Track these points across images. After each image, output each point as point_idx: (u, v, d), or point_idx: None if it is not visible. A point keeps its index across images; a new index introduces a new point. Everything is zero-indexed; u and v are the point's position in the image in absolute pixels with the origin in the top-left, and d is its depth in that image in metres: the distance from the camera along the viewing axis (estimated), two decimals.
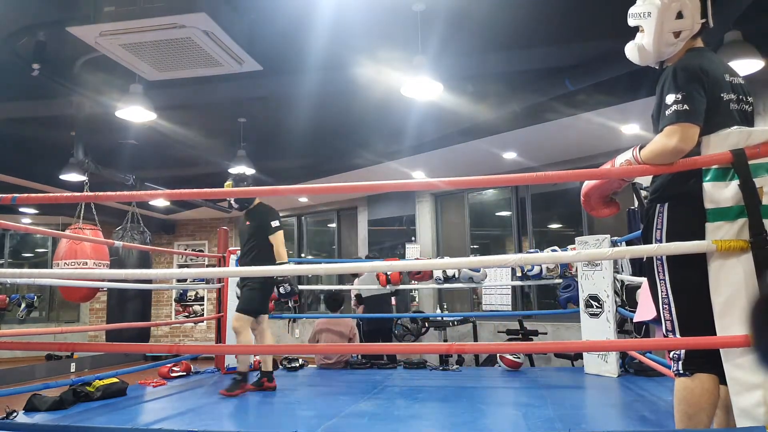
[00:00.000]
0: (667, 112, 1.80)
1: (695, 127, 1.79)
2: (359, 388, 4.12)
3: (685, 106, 1.77)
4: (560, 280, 5.15)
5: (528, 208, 7.75)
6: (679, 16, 1.90)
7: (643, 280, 2.93)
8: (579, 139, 6.21)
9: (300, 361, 5.25)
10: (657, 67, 2.03)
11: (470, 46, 4.24)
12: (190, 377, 4.75)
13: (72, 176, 6.05)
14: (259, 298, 4.13)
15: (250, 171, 6.23)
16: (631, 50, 2.04)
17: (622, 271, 4.45)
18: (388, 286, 5.77)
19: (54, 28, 3.66)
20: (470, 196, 8.45)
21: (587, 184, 2.19)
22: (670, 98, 1.80)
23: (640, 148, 1.91)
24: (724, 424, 1.87)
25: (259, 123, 5.90)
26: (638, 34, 2.02)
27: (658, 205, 1.91)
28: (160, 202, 9.44)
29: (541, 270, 5.22)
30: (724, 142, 1.79)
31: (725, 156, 1.76)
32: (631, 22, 2.03)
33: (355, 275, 6.83)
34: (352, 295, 6.85)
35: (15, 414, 3.09)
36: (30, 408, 3.33)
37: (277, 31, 3.90)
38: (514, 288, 7.36)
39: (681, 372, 1.83)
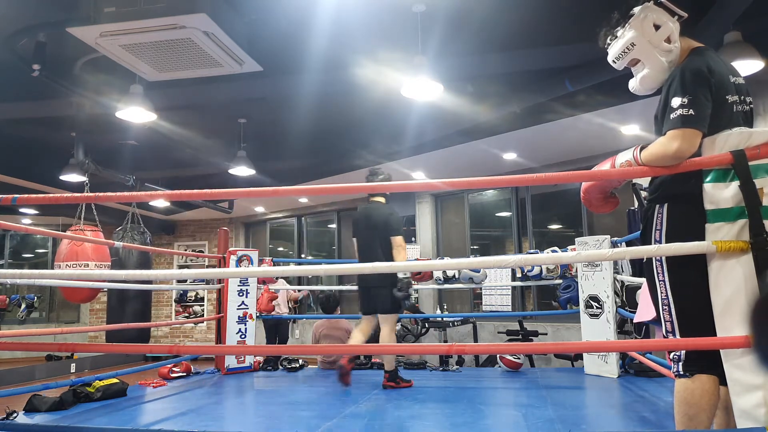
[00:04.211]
0: (672, 116, 1.80)
1: (699, 133, 1.79)
2: (359, 388, 4.12)
3: (691, 111, 1.77)
4: (560, 281, 5.15)
5: (528, 208, 7.75)
6: (657, 27, 1.93)
7: (644, 281, 2.93)
8: (579, 139, 6.22)
9: (300, 361, 5.25)
10: None
11: (470, 46, 4.24)
12: (190, 378, 4.74)
13: (72, 177, 6.05)
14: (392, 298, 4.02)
15: (250, 171, 6.23)
16: (639, 83, 2.02)
17: (623, 271, 4.45)
18: None
19: (54, 29, 3.66)
20: (470, 197, 8.45)
21: (586, 186, 2.20)
22: (676, 101, 1.80)
23: (641, 149, 1.91)
24: (725, 425, 1.87)
25: (259, 123, 5.91)
26: (635, 69, 2.03)
27: (657, 205, 1.91)
28: (160, 203, 9.44)
29: (541, 270, 5.22)
30: (724, 143, 1.79)
31: (725, 157, 1.76)
32: (621, 64, 2.04)
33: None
34: None
35: (15, 414, 3.09)
36: (30, 408, 3.32)
37: (277, 32, 3.90)
38: (513, 288, 7.36)
39: (681, 373, 1.83)
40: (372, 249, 4.06)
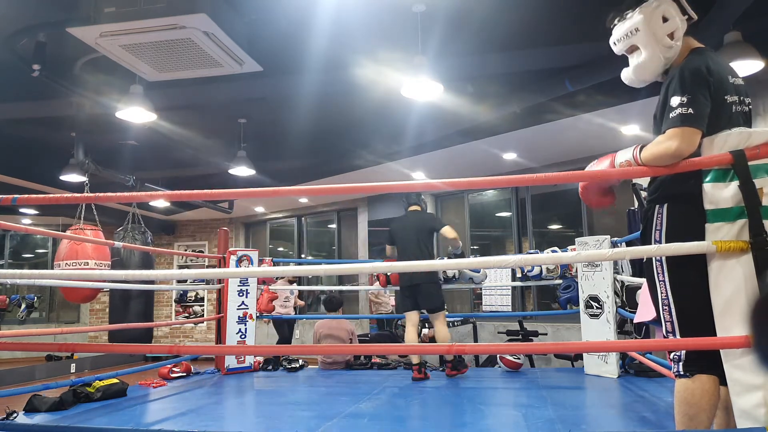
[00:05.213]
0: (671, 115, 1.80)
1: (698, 132, 1.79)
2: (359, 388, 4.12)
3: (690, 110, 1.77)
4: (560, 281, 5.14)
5: (528, 208, 7.75)
6: (665, 20, 1.92)
7: (644, 281, 2.93)
8: (579, 139, 6.21)
9: (300, 361, 5.25)
10: (661, 80, 2.03)
11: (470, 46, 4.24)
12: (190, 378, 4.74)
13: (72, 177, 6.05)
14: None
15: (250, 172, 6.23)
16: (633, 72, 2.02)
17: (622, 271, 4.45)
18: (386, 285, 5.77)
19: (54, 29, 3.66)
20: (470, 197, 8.45)
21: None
22: (675, 100, 1.80)
23: (641, 148, 1.91)
24: (725, 425, 1.87)
25: (259, 123, 5.91)
26: (632, 56, 2.02)
27: (657, 206, 1.91)
28: (160, 203, 9.44)
29: (541, 271, 5.21)
30: (724, 143, 1.79)
31: (725, 157, 1.76)
32: (620, 47, 2.03)
33: None
34: None
35: (15, 415, 3.09)
36: (30, 409, 3.32)
37: (277, 32, 3.90)
38: (513, 288, 7.36)
39: (681, 373, 1.83)
40: (417, 251, 4.48)
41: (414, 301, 4.56)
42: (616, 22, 2.04)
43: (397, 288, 5.88)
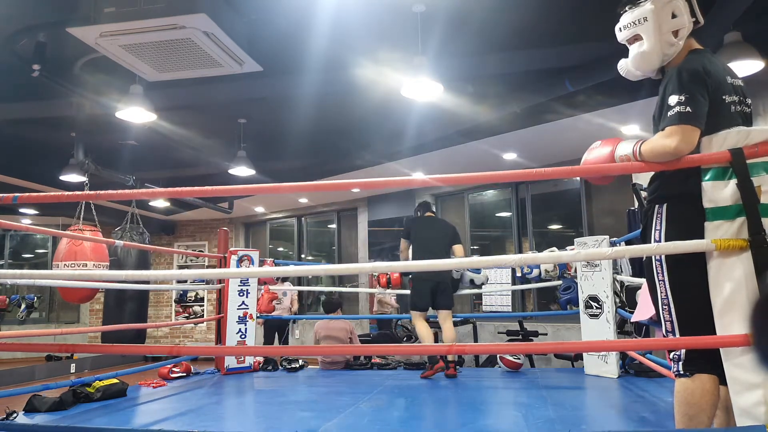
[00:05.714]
0: (669, 113, 1.81)
1: (696, 130, 1.79)
2: (359, 388, 4.12)
3: (688, 108, 1.78)
4: (560, 282, 5.14)
5: (528, 208, 7.75)
6: (673, 16, 1.93)
7: (644, 281, 2.93)
8: (579, 139, 6.21)
9: (300, 361, 5.25)
10: (655, 77, 2.04)
11: (470, 47, 4.24)
12: (190, 378, 4.74)
13: (72, 177, 6.06)
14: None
15: (250, 172, 6.23)
16: (630, 62, 2.02)
17: (622, 271, 4.44)
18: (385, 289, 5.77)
19: (54, 29, 3.67)
20: (470, 197, 8.45)
21: (586, 159, 2.20)
22: (673, 99, 1.81)
23: (641, 144, 1.92)
24: (725, 425, 1.87)
25: (259, 124, 5.91)
26: (634, 45, 2.02)
27: (657, 206, 1.92)
28: (160, 203, 9.44)
29: (540, 273, 5.20)
30: (723, 142, 1.80)
31: (723, 155, 1.77)
32: (625, 34, 2.02)
33: None
34: None
35: (15, 415, 3.09)
36: (30, 409, 3.32)
37: (277, 32, 3.90)
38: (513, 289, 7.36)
39: (681, 373, 1.83)
40: (441, 252, 4.60)
41: (432, 300, 4.62)
42: (626, 8, 2.04)
43: (399, 290, 5.88)
